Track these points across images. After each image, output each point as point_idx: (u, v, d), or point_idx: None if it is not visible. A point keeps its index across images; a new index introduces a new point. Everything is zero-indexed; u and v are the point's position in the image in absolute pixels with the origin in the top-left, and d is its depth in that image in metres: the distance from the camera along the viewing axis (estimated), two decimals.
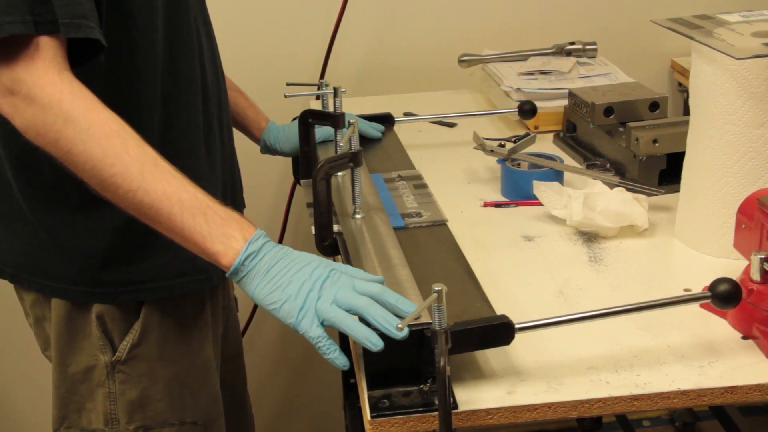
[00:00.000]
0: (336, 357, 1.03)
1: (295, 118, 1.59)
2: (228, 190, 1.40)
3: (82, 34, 1.08)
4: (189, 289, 1.31)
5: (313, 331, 1.02)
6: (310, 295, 1.03)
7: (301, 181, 1.62)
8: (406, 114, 1.95)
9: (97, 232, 1.24)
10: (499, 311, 1.06)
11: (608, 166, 1.62)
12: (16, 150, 1.23)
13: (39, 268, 1.29)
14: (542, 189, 1.44)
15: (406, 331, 0.97)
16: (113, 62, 1.18)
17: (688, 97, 1.36)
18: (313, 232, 1.26)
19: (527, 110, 1.78)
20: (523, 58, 2.08)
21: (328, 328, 1.03)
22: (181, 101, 1.27)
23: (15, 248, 1.31)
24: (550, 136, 1.81)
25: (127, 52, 1.20)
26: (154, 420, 1.31)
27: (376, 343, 0.98)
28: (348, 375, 1.98)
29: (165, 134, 1.24)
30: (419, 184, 1.50)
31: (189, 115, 1.29)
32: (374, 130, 1.74)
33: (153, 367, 1.30)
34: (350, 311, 1.02)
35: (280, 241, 2.23)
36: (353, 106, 1.75)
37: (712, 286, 1.03)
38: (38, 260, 1.28)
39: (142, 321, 1.28)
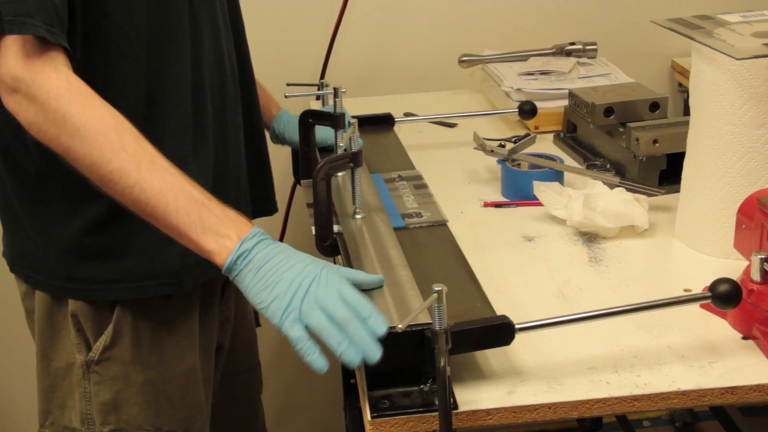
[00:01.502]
0: (314, 359, 1.00)
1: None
2: (233, 197, 1.37)
3: (25, 31, 1.08)
4: (158, 293, 1.28)
5: (293, 331, 1.00)
6: (295, 296, 1.02)
7: (301, 181, 1.62)
8: (406, 114, 1.95)
9: (71, 228, 1.25)
10: (499, 311, 1.06)
11: (608, 166, 1.62)
12: (3, 142, 1.24)
13: (25, 258, 1.30)
14: (542, 189, 1.44)
15: (379, 355, 0.96)
16: (90, 61, 1.18)
17: (688, 98, 1.36)
18: (313, 232, 1.26)
19: (527, 110, 1.78)
20: (523, 58, 2.08)
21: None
22: (167, 104, 1.25)
23: (8, 239, 1.33)
24: (550, 136, 1.81)
25: (104, 51, 1.19)
26: (128, 424, 1.30)
27: (351, 361, 0.97)
28: (348, 375, 1.98)
29: (148, 135, 1.23)
30: (419, 185, 1.50)
31: (176, 119, 1.27)
32: None
33: (126, 370, 1.29)
34: (332, 320, 1.00)
35: (281, 241, 2.22)
36: (353, 106, 1.74)
37: (712, 287, 1.03)
38: (24, 251, 1.30)
39: (115, 323, 1.28)
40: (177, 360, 1.33)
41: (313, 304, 1.01)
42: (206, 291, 1.36)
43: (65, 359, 1.30)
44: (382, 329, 0.97)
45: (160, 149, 1.21)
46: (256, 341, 1.60)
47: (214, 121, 1.33)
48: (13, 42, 1.08)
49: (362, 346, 0.97)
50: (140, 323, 1.29)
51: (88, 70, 1.17)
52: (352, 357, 0.97)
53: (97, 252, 1.26)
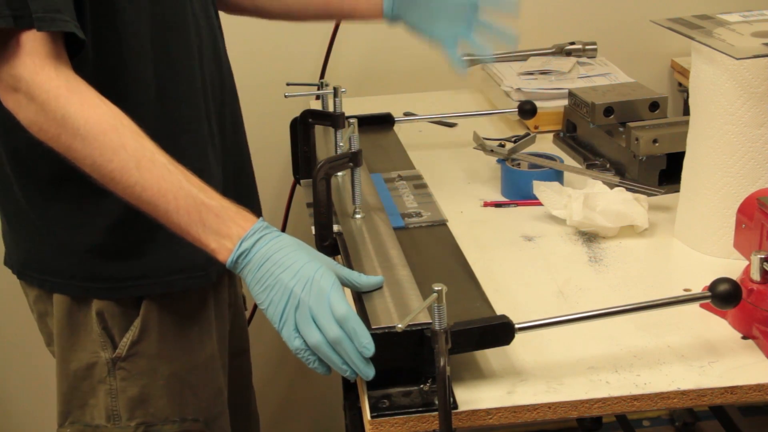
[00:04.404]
0: (316, 367, 1.03)
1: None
2: (230, 187, 1.39)
3: (55, 27, 1.08)
4: (186, 286, 1.30)
5: (292, 342, 1.02)
6: (288, 304, 1.03)
7: (301, 181, 1.62)
8: (406, 114, 1.95)
9: (94, 228, 1.25)
10: (499, 311, 1.06)
11: (608, 166, 1.62)
12: (14, 146, 1.23)
13: (40, 263, 1.29)
14: (542, 189, 1.44)
15: (372, 374, 1.00)
16: (101, 56, 1.18)
17: (688, 97, 1.36)
18: (313, 232, 1.27)
19: (527, 110, 1.78)
20: (523, 58, 2.08)
21: None
22: (177, 97, 1.26)
23: (18, 244, 1.32)
24: (550, 136, 1.81)
25: (114, 46, 1.19)
26: (155, 417, 1.31)
27: (348, 378, 1.01)
28: None
29: (160, 129, 1.24)
30: (419, 184, 1.50)
31: (190, 112, 1.28)
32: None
33: (153, 364, 1.30)
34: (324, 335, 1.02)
35: None
36: (353, 106, 1.74)
37: (712, 286, 1.04)
38: (39, 255, 1.29)
39: (142, 318, 1.29)
40: (198, 349, 1.34)
41: (307, 316, 1.01)
42: (217, 277, 1.37)
43: (86, 359, 1.30)
44: (368, 352, 0.99)
45: (178, 143, 1.22)
46: (246, 324, 1.61)
47: (215, 114, 1.34)
48: (28, 39, 1.07)
49: (354, 368, 1.00)
50: (166, 316, 1.30)
51: (101, 67, 1.18)
52: (348, 375, 1.01)
53: (122, 249, 1.26)
